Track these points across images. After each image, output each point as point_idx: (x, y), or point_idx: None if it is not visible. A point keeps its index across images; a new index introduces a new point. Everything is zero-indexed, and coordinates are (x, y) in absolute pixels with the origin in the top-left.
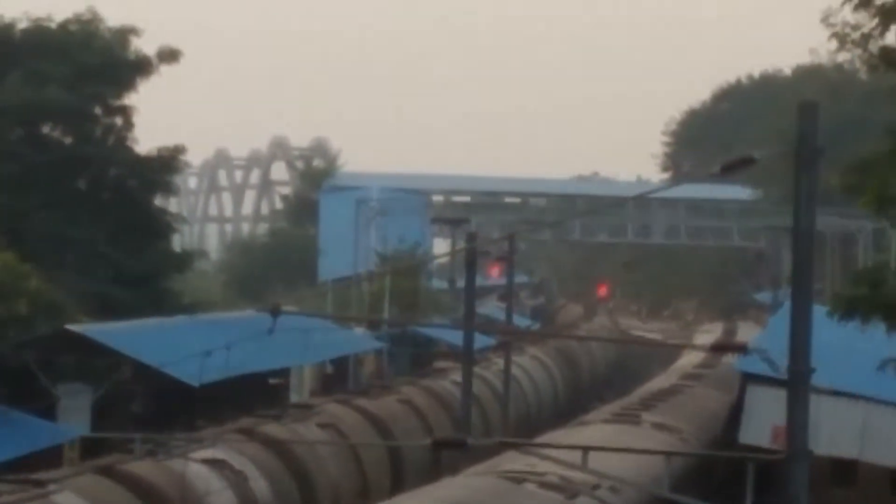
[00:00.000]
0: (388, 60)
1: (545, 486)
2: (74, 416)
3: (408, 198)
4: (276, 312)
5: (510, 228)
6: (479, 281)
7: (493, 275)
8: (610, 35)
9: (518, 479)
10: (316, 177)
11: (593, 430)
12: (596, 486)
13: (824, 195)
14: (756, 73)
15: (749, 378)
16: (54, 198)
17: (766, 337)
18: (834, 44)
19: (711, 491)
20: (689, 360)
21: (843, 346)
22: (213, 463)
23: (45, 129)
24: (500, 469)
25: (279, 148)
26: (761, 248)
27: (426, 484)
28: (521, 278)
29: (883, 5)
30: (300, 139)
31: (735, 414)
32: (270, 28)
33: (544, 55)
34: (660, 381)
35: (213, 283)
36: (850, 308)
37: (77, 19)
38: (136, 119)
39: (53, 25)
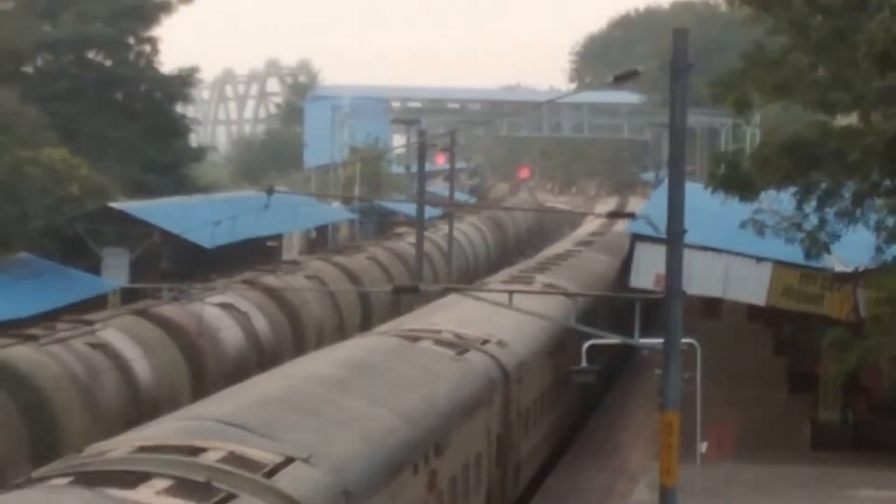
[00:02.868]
0: None
1: (439, 342)
2: (115, 272)
3: (372, 104)
4: (270, 192)
5: (452, 126)
6: (428, 167)
7: (439, 162)
8: None
9: (415, 337)
10: (301, 89)
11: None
12: (485, 342)
13: (695, 99)
14: (641, 7)
15: (637, 237)
16: (98, 107)
17: (650, 206)
18: None
19: (604, 326)
20: (587, 227)
21: (709, 212)
22: (223, 306)
23: (91, 55)
24: (402, 327)
25: (273, 67)
26: (646, 139)
27: (389, 320)
28: (460, 164)
29: None
30: (289, 60)
31: (626, 265)
32: None
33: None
34: (557, 248)
35: (222, 170)
36: (718, 184)
37: None
38: (161, 46)
39: None
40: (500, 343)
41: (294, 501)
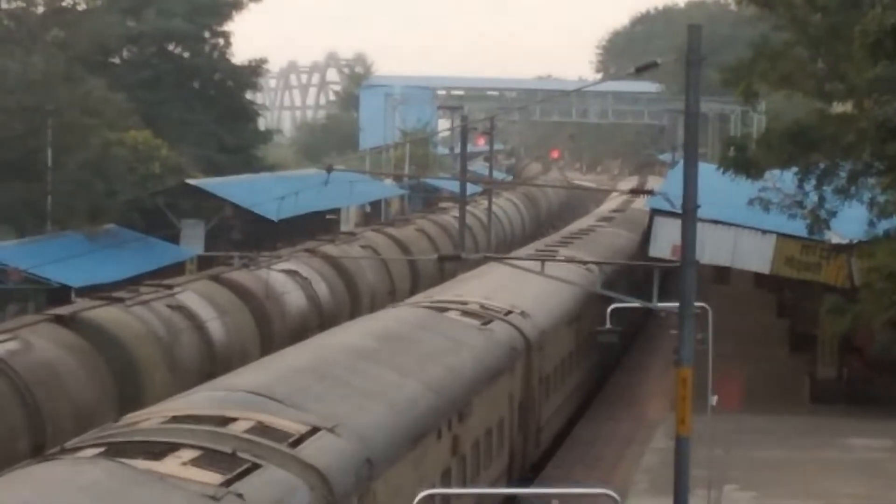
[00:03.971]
0: None
1: (465, 313)
2: (192, 241)
3: (420, 92)
4: (330, 170)
5: (491, 112)
6: (469, 148)
7: (480, 144)
8: None
9: (443, 308)
10: (357, 79)
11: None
12: (508, 312)
13: (707, 87)
14: (660, 5)
15: (656, 212)
16: (177, 94)
17: (667, 184)
18: None
19: (627, 292)
20: (609, 204)
21: (720, 189)
22: (287, 272)
23: (171, 48)
24: (432, 299)
25: (332, 59)
26: (664, 124)
27: (435, 285)
28: (498, 146)
29: None
30: (347, 53)
31: (646, 237)
32: None
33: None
34: (580, 223)
35: (287, 151)
36: (728, 164)
37: None
38: (233, 40)
39: None
40: (523, 313)
41: (316, 470)
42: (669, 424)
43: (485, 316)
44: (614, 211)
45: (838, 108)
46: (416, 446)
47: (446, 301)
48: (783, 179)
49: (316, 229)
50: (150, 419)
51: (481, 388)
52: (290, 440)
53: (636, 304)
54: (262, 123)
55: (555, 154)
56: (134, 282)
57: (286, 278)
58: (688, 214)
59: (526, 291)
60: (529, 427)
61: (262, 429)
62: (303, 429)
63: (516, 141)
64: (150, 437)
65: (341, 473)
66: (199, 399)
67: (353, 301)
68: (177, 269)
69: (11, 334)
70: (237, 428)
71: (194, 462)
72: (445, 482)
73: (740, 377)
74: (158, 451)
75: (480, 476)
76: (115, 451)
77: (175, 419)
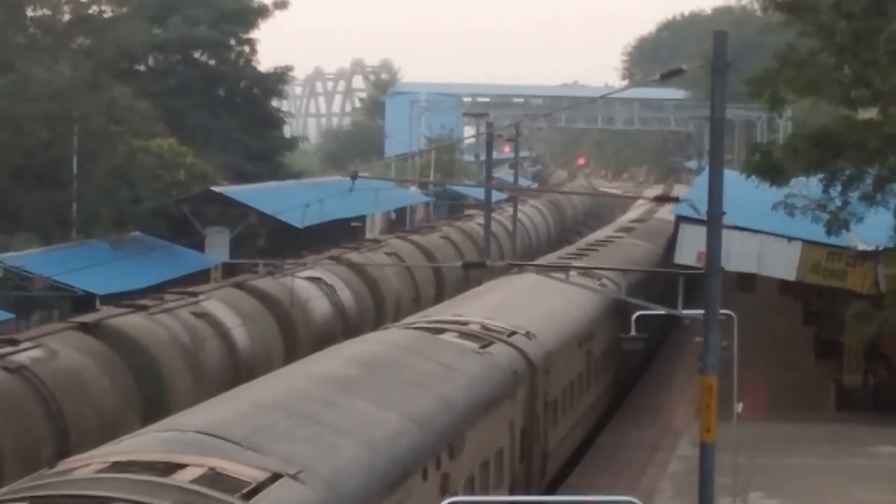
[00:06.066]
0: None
1: (463, 335)
2: (217, 249)
3: (446, 99)
4: (355, 177)
5: (517, 119)
6: (495, 155)
7: (505, 151)
8: None
9: (439, 329)
10: (383, 86)
11: (524, 277)
12: (512, 333)
13: (733, 94)
14: (686, 12)
15: (681, 219)
16: (203, 101)
17: (693, 191)
18: None
19: (652, 299)
20: (631, 214)
21: (745, 196)
22: (312, 279)
23: (197, 55)
24: (430, 318)
25: (358, 66)
26: (690, 131)
27: (460, 292)
28: (524, 153)
29: None
30: (372, 60)
31: (668, 248)
32: None
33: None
34: (598, 234)
35: (313, 158)
36: (753, 170)
37: None
38: (258, 47)
39: None
40: (528, 334)
41: None
42: (694, 432)
43: (485, 338)
44: (635, 221)
45: (864, 114)
46: (396, 490)
47: (444, 322)
48: (808, 185)
49: (341, 237)
50: (89, 465)
51: (477, 418)
52: (245, 490)
53: (661, 311)
54: (287, 131)
55: (581, 161)
56: (159, 289)
57: (311, 285)
58: (713, 221)
59: (533, 310)
60: (534, 456)
61: (212, 477)
62: (261, 476)
63: (542, 148)
64: (81, 489)
65: None
66: (147, 441)
67: (377, 308)
68: (202, 276)
69: (36, 342)
70: (184, 476)
71: None
72: None
73: (765, 385)
74: None
75: None
76: None
77: (115, 465)
